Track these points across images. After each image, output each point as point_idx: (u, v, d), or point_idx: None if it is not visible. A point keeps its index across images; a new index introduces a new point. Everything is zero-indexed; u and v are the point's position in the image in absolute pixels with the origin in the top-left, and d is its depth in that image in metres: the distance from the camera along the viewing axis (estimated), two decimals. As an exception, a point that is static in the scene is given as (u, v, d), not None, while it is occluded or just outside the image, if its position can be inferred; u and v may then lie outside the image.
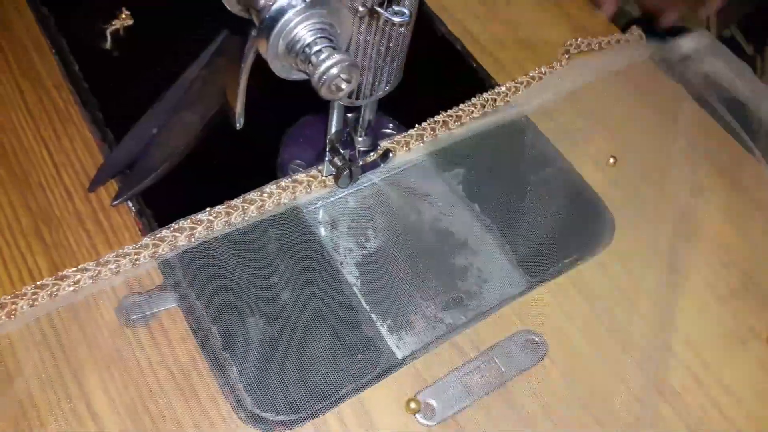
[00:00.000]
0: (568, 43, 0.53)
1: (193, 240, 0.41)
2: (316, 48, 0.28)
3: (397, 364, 0.39)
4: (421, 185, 0.46)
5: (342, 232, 0.43)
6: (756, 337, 0.42)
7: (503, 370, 0.39)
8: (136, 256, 0.39)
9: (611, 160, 0.48)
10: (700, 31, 0.54)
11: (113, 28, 0.50)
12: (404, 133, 0.46)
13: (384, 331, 0.40)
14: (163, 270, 0.40)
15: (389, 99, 0.41)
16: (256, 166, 0.45)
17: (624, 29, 0.55)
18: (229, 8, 0.30)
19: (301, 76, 0.30)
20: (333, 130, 0.41)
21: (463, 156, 0.47)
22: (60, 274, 0.39)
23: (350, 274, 0.42)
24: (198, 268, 0.40)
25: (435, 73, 0.51)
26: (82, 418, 0.36)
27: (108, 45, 0.50)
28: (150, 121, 0.45)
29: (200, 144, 0.45)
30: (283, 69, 0.30)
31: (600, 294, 0.43)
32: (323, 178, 0.44)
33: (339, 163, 0.42)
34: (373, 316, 0.40)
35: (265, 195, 0.43)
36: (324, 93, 0.29)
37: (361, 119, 0.41)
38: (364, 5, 0.31)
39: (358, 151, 0.44)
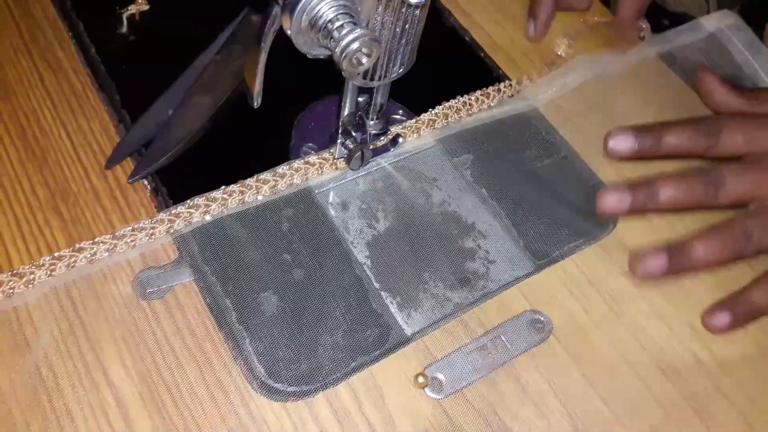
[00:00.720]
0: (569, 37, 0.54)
1: (207, 217, 0.42)
2: (338, 23, 0.29)
3: (406, 340, 0.40)
4: (430, 170, 0.47)
5: (353, 213, 0.44)
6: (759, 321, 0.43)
7: (509, 347, 0.40)
8: (152, 231, 0.40)
9: None
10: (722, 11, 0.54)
11: (129, 12, 0.51)
12: (416, 118, 0.47)
13: (393, 308, 0.41)
14: (178, 245, 0.41)
15: (398, 87, 0.42)
16: (269, 149, 0.46)
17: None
18: (252, -15, 0.31)
19: (323, 52, 0.31)
20: (346, 112, 0.42)
21: (472, 143, 0.48)
22: (77, 246, 0.39)
23: (360, 254, 0.43)
24: (212, 244, 0.41)
25: (443, 64, 0.52)
26: (99, 387, 0.36)
27: (124, 29, 0.51)
28: (165, 103, 0.46)
29: (214, 126, 0.46)
30: (305, 44, 0.31)
31: (604, 276, 0.44)
32: (335, 160, 0.45)
33: (351, 146, 0.43)
34: (382, 293, 0.41)
35: (278, 175, 0.44)
36: (345, 66, 0.30)
37: (373, 103, 0.42)
38: (382, -15, 0.32)
39: (370, 134, 0.45)
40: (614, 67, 0.53)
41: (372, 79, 0.39)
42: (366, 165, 0.45)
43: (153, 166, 0.43)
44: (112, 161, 0.44)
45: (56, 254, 0.39)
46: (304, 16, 0.30)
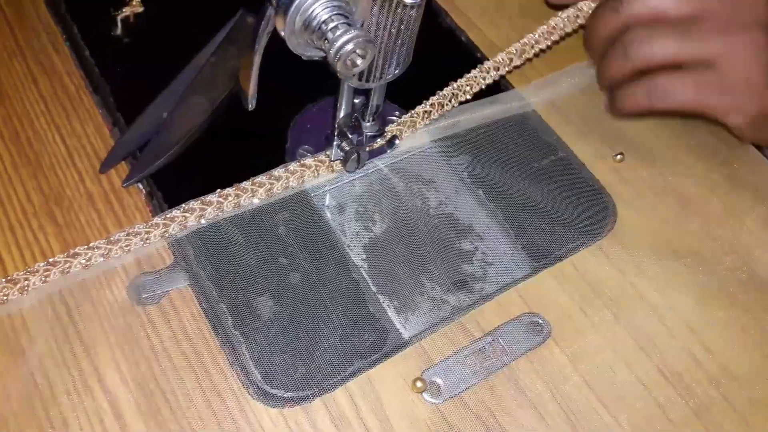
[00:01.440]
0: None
1: (203, 221, 0.41)
2: (332, 24, 0.29)
3: (404, 344, 0.39)
4: (427, 171, 0.47)
5: (349, 216, 0.44)
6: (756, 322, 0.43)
7: (507, 350, 0.40)
8: (146, 235, 0.40)
9: (618, 157, 0.48)
10: None
11: (124, 14, 0.51)
12: (411, 112, 0.47)
13: (390, 312, 0.41)
14: (173, 250, 0.41)
15: (394, 88, 0.42)
16: (265, 151, 0.46)
17: None
18: (246, -13, 0.31)
19: (317, 53, 0.31)
20: (342, 114, 0.42)
21: (469, 144, 0.48)
22: (71, 251, 0.39)
23: (357, 257, 0.42)
24: (208, 248, 0.41)
25: (439, 65, 0.52)
26: (94, 393, 0.36)
27: (119, 31, 0.50)
28: (160, 106, 0.46)
29: (209, 128, 0.46)
30: (299, 46, 0.31)
31: (602, 278, 0.43)
32: (331, 162, 0.45)
33: (347, 148, 0.43)
34: (379, 297, 0.41)
35: (274, 178, 0.43)
36: (340, 68, 0.29)
37: (370, 104, 0.42)
38: (377, -14, 0.32)
39: (366, 136, 0.44)
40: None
41: (368, 81, 0.38)
42: (362, 167, 0.45)
43: (148, 169, 0.43)
44: (106, 165, 0.43)
45: (50, 260, 0.39)
46: (297, 17, 0.30)
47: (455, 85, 0.48)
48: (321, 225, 0.43)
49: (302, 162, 0.44)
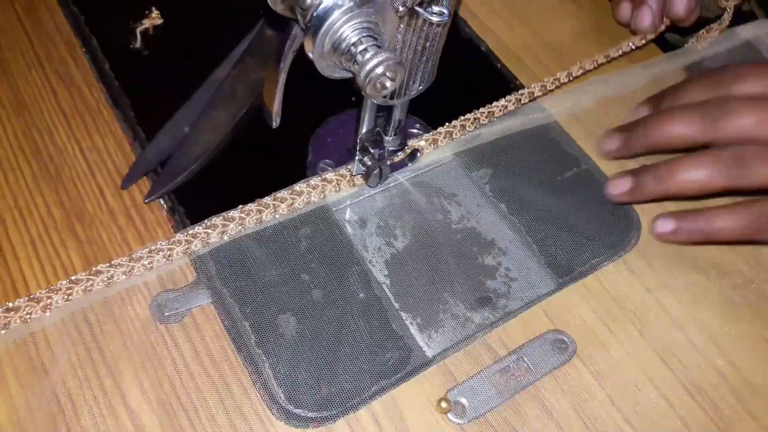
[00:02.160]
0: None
1: (225, 237, 0.41)
2: (361, 47, 0.29)
3: (428, 362, 0.39)
4: (448, 185, 0.46)
5: (371, 230, 0.44)
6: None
7: (533, 369, 0.39)
8: (169, 252, 0.40)
9: None
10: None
11: (143, 27, 0.50)
12: (433, 132, 0.46)
13: (414, 330, 0.40)
14: (195, 267, 0.40)
15: (415, 100, 0.41)
16: (286, 166, 0.46)
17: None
18: (272, 7, 0.31)
19: (345, 75, 0.30)
20: (364, 129, 0.42)
21: (490, 156, 0.48)
22: (94, 269, 0.39)
23: (379, 273, 0.42)
24: (230, 265, 0.41)
25: (459, 75, 0.51)
26: (117, 413, 0.36)
27: (138, 44, 0.50)
28: (181, 120, 0.45)
29: (231, 143, 0.45)
30: (327, 67, 0.30)
31: (627, 293, 0.43)
32: (352, 177, 0.44)
33: (369, 163, 0.43)
34: (402, 314, 0.41)
35: (295, 193, 0.43)
36: (369, 91, 0.29)
37: (393, 119, 0.42)
38: (404, 5, 0.31)
39: (387, 150, 0.44)
40: (636, 79, 0.52)
41: (392, 98, 0.38)
42: (384, 181, 0.44)
43: (170, 185, 0.43)
44: (127, 181, 0.43)
45: (73, 278, 0.38)
46: (327, 39, 0.29)
47: (478, 112, 0.47)
48: (342, 240, 0.43)
49: (323, 176, 0.44)
